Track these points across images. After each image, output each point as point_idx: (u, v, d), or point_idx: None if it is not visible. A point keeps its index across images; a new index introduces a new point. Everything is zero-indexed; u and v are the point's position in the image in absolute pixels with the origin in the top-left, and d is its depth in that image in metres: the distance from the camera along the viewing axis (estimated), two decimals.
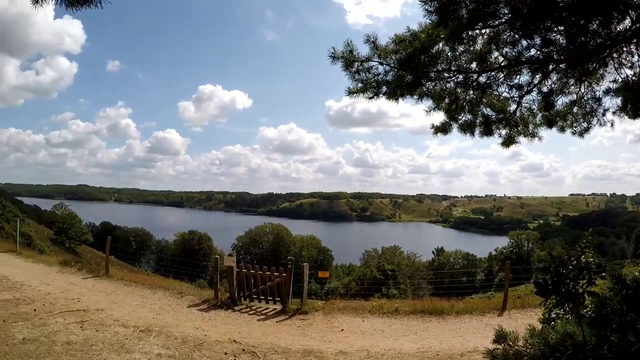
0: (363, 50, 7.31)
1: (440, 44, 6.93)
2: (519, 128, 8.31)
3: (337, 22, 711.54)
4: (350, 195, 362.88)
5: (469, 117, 8.21)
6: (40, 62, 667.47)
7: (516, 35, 6.87)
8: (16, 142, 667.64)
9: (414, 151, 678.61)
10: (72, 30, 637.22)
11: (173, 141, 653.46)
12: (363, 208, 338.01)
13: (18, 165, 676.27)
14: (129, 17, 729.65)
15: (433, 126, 8.46)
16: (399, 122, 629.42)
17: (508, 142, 8.43)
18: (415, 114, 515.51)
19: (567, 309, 4.09)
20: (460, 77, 7.65)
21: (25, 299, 11.68)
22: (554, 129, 8.52)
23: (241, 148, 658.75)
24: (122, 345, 8.56)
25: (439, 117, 8.29)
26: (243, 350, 9.01)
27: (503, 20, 6.39)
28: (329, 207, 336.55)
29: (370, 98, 7.66)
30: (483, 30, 6.86)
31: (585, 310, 3.88)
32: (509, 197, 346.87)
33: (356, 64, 7.38)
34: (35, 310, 10.57)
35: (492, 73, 7.65)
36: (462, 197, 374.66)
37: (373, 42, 7.16)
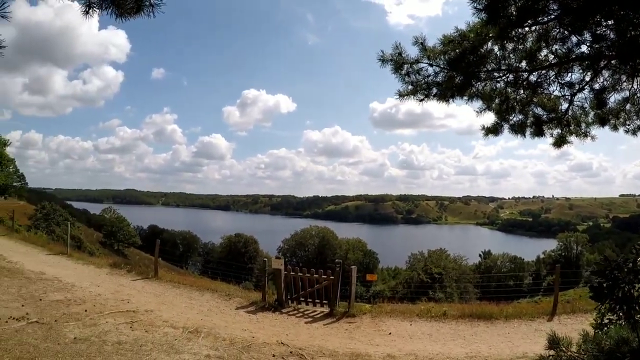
0: (411, 52, 7.28)
1: (489, 43, 6.86)
2: (570, 127, 8.13)
3: (379, 23, 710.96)
4: (395, 198, 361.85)
5: (520, 117, 8.09)
6: (86, 71, 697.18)
7: (566, 32, 6.74)
8: (65, 149, 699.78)
9: (459, 152, 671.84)
10: (116, 40, 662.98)
11: (219, 146, 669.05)
12: (409, 210, 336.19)
13: (68, 171, 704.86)
14: (173, 25, 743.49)
15: (484, 127, 8.35)
16: (444, 122, 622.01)
17: (560, 142, 8.25)
18: (460, 114, 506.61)
19: (621, 314, 3.97)
20: (511, 76, 7.54)
21: (76, 299, 11.95)
22: (606, 127, 8.30)
23: (286, 151, 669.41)
24: (172, 346, 8.70)
25: (489, 118, 8.18)
26: (291, 352, 9.04)
27: (552, 16, 6.29)
28: (375, 210, 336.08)
29: (421, 100, 7.61)
30: (532, 28, 6.76)
31: (639, 316, 3.76)
32: (557, 198, 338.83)
33: (406, 66, 7.35)
34: (86, 310, 10.81)
35: (543, 71, 7.51)
36: (509, 198, 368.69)
37: (422, 43, 7.12)
